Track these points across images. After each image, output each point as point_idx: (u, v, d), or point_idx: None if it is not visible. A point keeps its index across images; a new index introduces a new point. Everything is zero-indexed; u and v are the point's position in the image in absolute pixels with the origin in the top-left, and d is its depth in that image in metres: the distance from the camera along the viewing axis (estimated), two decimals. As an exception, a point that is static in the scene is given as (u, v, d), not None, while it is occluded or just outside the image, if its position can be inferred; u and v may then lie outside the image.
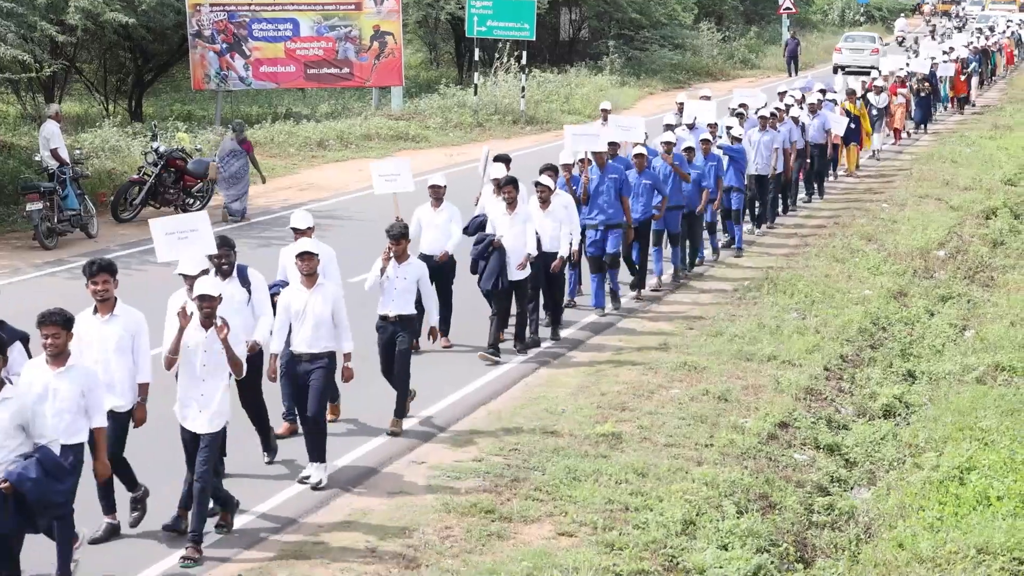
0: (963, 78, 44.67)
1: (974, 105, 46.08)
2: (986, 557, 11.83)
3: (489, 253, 16.85)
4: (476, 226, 17.51)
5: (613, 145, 20.18)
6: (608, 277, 19.28)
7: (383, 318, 14.37)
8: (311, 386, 12.72)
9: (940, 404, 16.41)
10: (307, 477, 12.71)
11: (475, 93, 40.04)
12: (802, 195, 28.75)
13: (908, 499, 13.36)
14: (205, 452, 11.23)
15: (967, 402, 16.09)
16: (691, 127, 23.97)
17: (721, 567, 11.43)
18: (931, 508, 13.00)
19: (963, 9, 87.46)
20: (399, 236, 14.35)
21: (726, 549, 11.74)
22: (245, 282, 12.96)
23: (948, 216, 27.00)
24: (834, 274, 21.91)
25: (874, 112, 34.12)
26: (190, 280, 11.84)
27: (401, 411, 14.35)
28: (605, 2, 52.18)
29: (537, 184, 17.60)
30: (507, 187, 16.99)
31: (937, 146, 36.81)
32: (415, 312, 14.59)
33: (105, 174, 26.99)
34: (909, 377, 17.89)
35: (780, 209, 26.99)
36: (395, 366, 14.27)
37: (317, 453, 12.75)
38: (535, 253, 16.96)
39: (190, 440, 11.39)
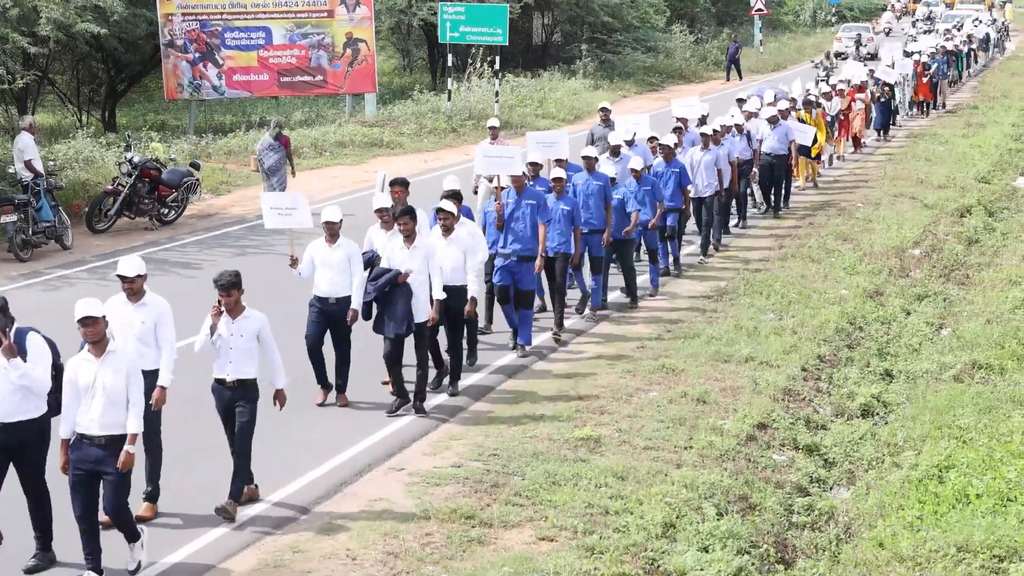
0: (925, 80, 42.99)
1: (942, 108, 44.85)
2: (966, 555, 11.85)
3: (391, 291, 14.77)
4: (365, 263, 15.53)
5: (535, 166, 18.59)
6: (521, 316, 17.42)
7: (219, 382, 12.21)
8: (107, 481, 10.75)
9: (918, 403, 16.44)
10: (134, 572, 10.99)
11: (449, 99, 40.05)
12: (755, 209, 27.34)
13: (887, 498, 13.38)
14: None
15: (945, 400, 16.11)
16: (630, 143, 22.08)
17: (702, 569, 11.42)
18: (910, 507, 13.01)
19: (931, 11, 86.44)
20: (229, 286, 11.99)
21: (707, 551, 11.74)
22: (23, 350, 10.90)
23: (923, 215, 27.07)
24: (810, 274, 21.94)
25: (827, 119, 32.29)
26: None
27: (238, 492, 12.15)
28: (577, 6, 52.26)
29: (439, 211, 15.85)
30: (403, 218, 14.98)
31: (911, 145, 36.91)
32: (256, 376, 12.24)
33: (79, 185, 26.89)
34: (886, 376, 17.92)
35: (737, 225, 25.85)
36: (236, 441, 12.17)
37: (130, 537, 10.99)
38: (443, 296, 15.10)
39: None
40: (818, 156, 30.68)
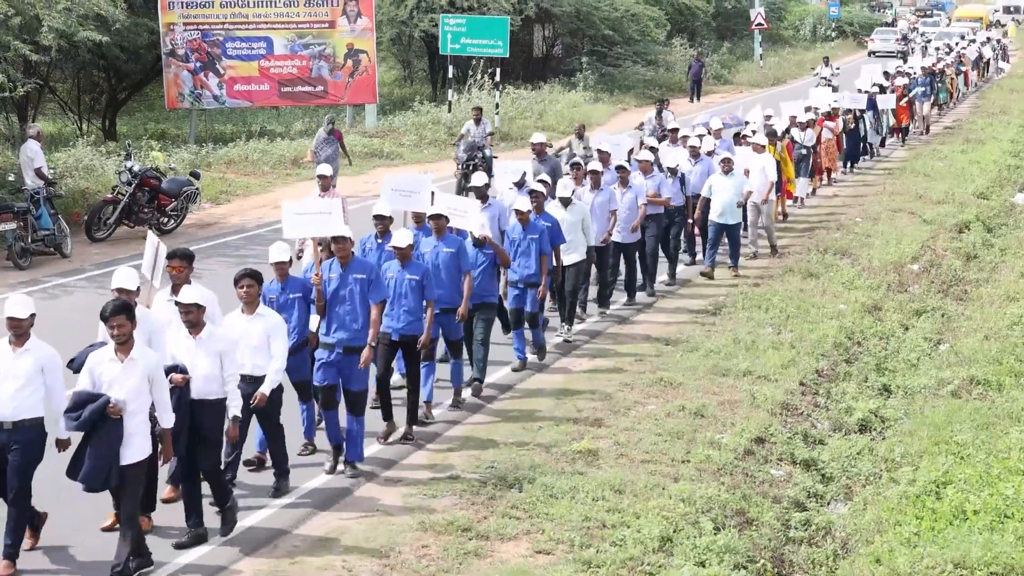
0: (904, 103, 40.01)
1: (926, 132, 42.84)
2: (963, 572, 11.85)
3: (96, 425, 10.64)
4: (78, 365, 11.23)
5: (382, 219, 14.79)
6: (353, 421, 13.37)
7: None
8: None
9: (916, 418, 16.44)
10: None
11: (449, 110, 40.10)
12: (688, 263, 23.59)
13: (885, 514, 13.38)
14: None
15: (942, 416, 16.12)
16: (519, 185, 18.64)
17: (699, 584, 11.44)
18: (908, 523, 13.02)
19: (911, 29, 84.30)
20: None
21: (703, 566, 11.73)
22: None
23: (921, 230, 27.07)
24: (808, 289, 21.93)
25: (802, 151, 29.15)
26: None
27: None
28: (578, 19, 52.26)
29: (178, 304, 11.73)
30: (115, 319, 10.61)
31: (910, 160, 36.91)
32: None
33: (79, 193, 26.92)
34: (884, 391, 17.92)
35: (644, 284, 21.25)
36: None
37: None
38: (169, 426, 10.98)
39: None
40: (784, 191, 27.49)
